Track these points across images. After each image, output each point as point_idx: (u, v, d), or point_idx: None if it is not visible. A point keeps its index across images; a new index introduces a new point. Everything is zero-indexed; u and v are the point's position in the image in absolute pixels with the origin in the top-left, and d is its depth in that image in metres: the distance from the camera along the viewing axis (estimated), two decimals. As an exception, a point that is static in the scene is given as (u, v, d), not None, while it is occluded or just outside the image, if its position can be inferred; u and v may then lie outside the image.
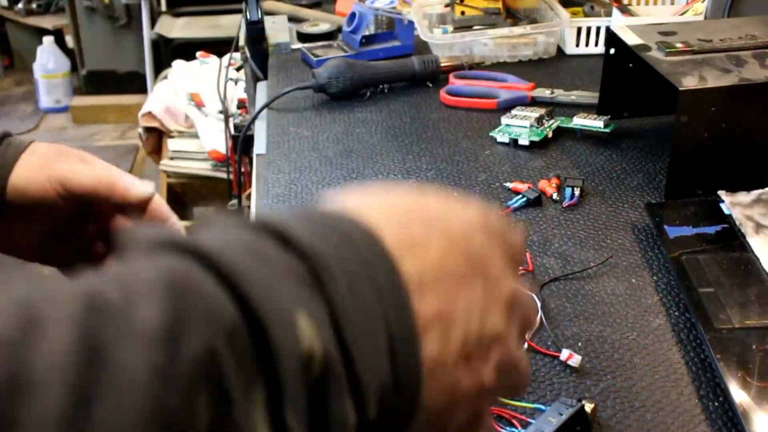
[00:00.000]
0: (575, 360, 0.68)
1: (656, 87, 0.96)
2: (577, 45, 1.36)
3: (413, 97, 1.22)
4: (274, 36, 1.44)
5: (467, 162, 1.02)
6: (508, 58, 1.35)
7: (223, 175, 2.10)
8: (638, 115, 1.10)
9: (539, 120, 1.07)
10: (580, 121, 1.06)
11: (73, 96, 3.79)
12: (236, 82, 2.06)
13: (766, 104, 0.87)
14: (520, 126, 1.06)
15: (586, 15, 1.41)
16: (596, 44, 1.35)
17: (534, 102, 1.17)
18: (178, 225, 0.63)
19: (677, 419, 0.63)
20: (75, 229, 0.62)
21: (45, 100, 3.78)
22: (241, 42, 1.46)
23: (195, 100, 2.20)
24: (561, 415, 0.59)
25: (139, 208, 0.59)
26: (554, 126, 1.07)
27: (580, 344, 0.70)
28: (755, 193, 0.86)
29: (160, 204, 0.61)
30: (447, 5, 1.40)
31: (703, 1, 1.25)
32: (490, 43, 1.33)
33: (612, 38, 1.02)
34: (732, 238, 0.80)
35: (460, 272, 0.36)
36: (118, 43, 3.60)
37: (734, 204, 0.85)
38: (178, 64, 2.40)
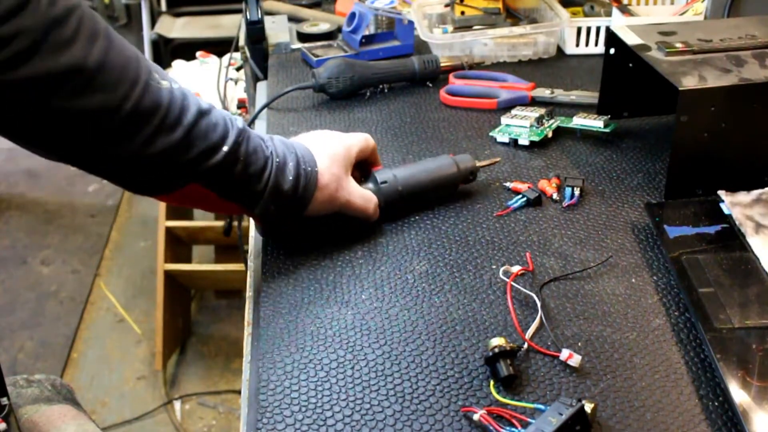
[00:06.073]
0: (575, 360, 0.68)
1: (656, 87, 0.96)
2: (577, 45, 1.36)
3: (413, 97, 1.22)
4: (274, 36, 1.44)
5: (467, 162, 1.02)
6: (508, 58, 1.35)
7: (223, 175, 2.10)
8: (638, 115, 1.10)
9: (539, 120, 1.07)
10: (580, 121, 1.06)
11: (73, 96, 3.78)
12: (236, 82, 2.06)
13: (766, 104, 0.87)
14: (520, 126, 1.06)
15: (586, 15, 1.41)
16: (596, 44, 1.35)
17: (534, 102, 1.17)
18: None
19: (677, 419, 0.63)
20: None
21: (45, 100, 3.77)
22: (241, 42, 1.47)
23: (195, 100, 2.19)
24: (561, 415, 0.59)
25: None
26: (554, 126, 1.07)
27: (580, 344, 0.71)
28: (755, 193, 0.86)
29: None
30: (447, 5, 1.40)
31: (703, 1, 1.25)
32: (490, 43, 1.33)
33: (612, 38, 1.02)
34: (732, 238, 0.81)
35: (337, 159, 0.86)
36: (118, 42, 3.60)
37: (734, 204, 0.85)
38: (178, 64, 2.40)
